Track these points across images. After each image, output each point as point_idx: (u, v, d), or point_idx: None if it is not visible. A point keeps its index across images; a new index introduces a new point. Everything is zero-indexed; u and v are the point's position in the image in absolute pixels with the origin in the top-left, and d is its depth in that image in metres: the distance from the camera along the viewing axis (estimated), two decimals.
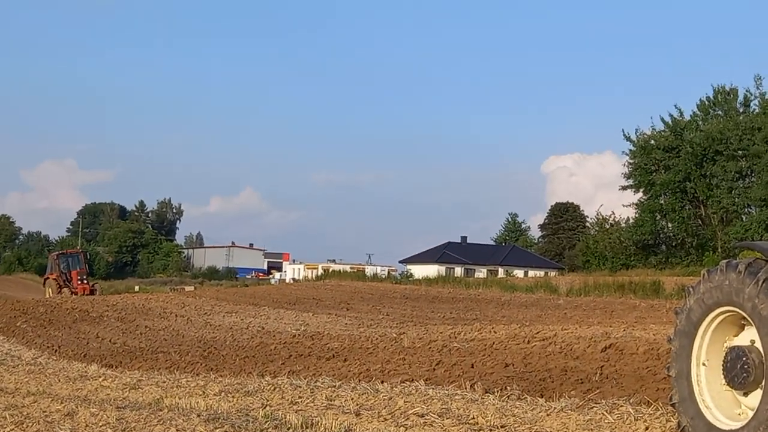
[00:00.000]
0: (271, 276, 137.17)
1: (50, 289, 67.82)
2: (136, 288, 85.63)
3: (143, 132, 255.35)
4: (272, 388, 17.14)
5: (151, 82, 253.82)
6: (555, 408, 13.25)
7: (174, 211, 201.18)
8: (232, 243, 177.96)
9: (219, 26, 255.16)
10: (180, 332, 34.78)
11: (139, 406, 15.41)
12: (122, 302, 49.89)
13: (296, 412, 13.70)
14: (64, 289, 66.69)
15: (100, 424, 13.39)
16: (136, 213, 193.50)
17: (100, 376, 22.18)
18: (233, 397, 16.31)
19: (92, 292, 66.50)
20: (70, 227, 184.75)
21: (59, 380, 21.90)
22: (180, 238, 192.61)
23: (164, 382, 20.05)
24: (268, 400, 15.50)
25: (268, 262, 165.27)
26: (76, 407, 15.41)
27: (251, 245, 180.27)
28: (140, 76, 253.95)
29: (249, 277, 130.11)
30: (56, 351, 30.63)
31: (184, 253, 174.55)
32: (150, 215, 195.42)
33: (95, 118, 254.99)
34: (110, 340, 33.02)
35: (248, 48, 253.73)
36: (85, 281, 68.84)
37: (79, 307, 45.82)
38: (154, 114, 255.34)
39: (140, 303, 49.43)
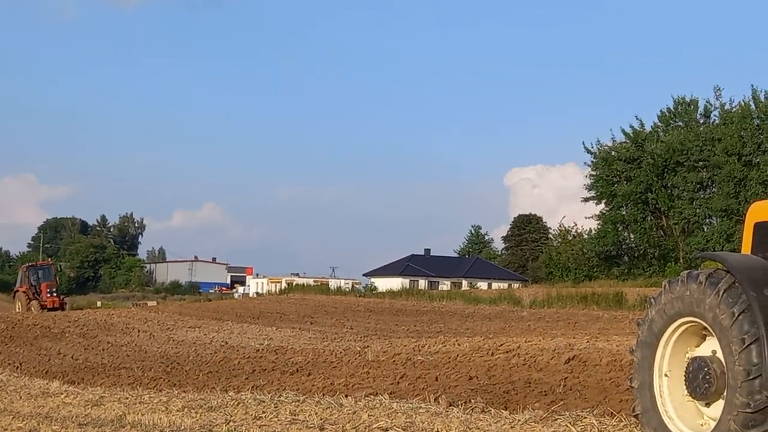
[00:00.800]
0: (234, 290, 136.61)
1: (20, 302, 66.67)
2: (99, 303, 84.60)
3: (105, 147, 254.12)
4: (236, 404, 17.06)
5: (113, 100, 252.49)
6: (519, 420, 13.25)
7: (136, 225, 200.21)
8: (195, 257, 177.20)
9: (181, 45, 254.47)
10: (143, 348, 34.58)
11: (102, 422, 15.29)
12: (84, 318, 49.60)
13: (260, 428, 13.64)
14: (33, 301, 65.49)
15: None
16: (97, 228, 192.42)
17: (62, 393, 21.99)
18: (196, 412, 16.22)
19: (62, 306, 65.70)
20: (32, 242, 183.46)
21: (20, 397, 21.70)
22: (142, 253, 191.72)
23: (127, 398, 19.90)
24: (231, 416, 15.42)
25: (232, 276, 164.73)
26: (38, 425, 15.29)
27: (214, 259, 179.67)
28: (102, 93, 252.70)
29: (212, 291, 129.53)
30: (17, 368, 30.37)
31: (146, 267, 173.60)
32: (112, 230, 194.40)
33: (56, 133, 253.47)
34: (72, 357, 32.79)
35: (211, 66, 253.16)
36: (55, 294, 67.37)
37: (40, 324, 45.51)
38: (116, 130, 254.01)
39: (102, 318, 49.14)
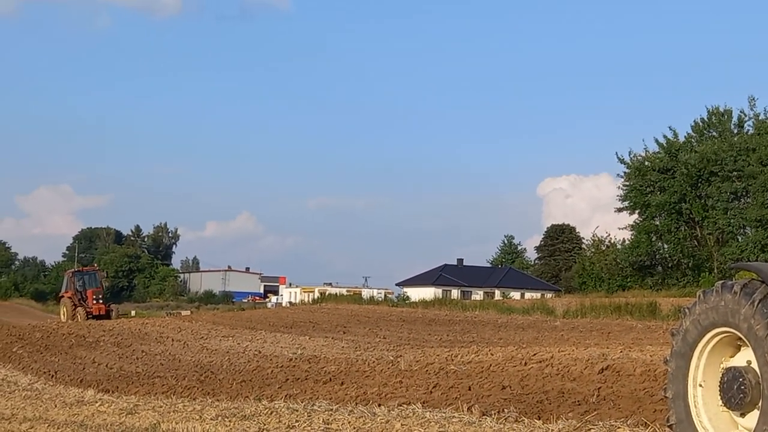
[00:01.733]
0: (267, 300, 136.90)
1: (65, 308, 65.50)
2: (133, 312, 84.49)
3: (139, 159, 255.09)
4: (269, 412, 17.11)
5: (147, 111, 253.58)
6: (552, 430, 13.24)
7: (170, 235, 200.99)
8: (229, 267, 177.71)
9: (212, 56, 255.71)
10: (176, 356, 34.72)
11: (136, 431, 15.39)
12: (119, 327, 49.84)
13: None
14: (79, 308, 64.15)
15: None
16: (132, 237, 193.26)
17: (96, 401, 22.13)
18: (230, 421, 16.28)
19: (107, 314, 64.18)
20: (66, 252, 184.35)
21: (56, 405, 21.86)
22: (176, 263, 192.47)
23: (161, 406, 20.01)
24: (264, 424, 15.47)
25: (265, 285, 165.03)
26: None
27: (247, 269, 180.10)
28: (136, 103, 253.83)
29: (245, 300, 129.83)
30: (53, 376, 30.57)
31: (180, 277, 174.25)
32: (146, 240, 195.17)
33: (91, 145, 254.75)
34: (107, 365, 32.97)
35: (243, 77, 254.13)
36: (101, 301, 65.87)
37: (75, 333, 45.78)
38: (150, 140, 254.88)
39: (137, 328, 49.37)
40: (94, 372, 31.33)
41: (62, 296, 67.62)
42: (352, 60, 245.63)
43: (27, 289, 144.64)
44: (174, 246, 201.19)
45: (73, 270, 71.21)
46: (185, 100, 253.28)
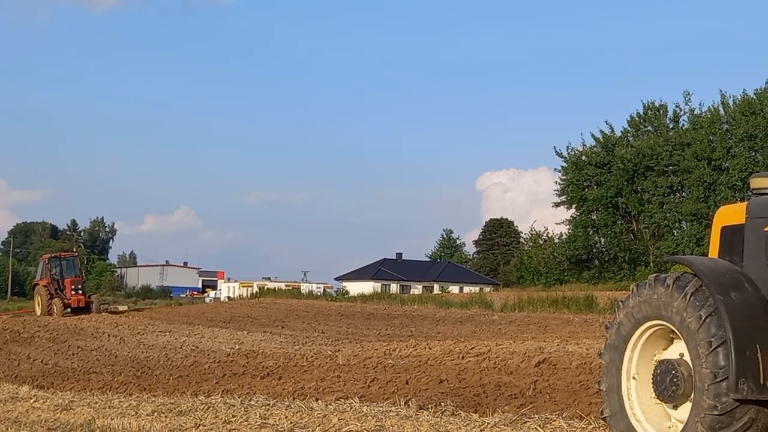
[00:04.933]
0: (205, 294, 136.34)
1: (39, 298, 58.21)
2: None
3: (76, 152, 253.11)
4: (206, 408, 17.03)
5: (85, 104, 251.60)
6: (489, 423, 13.28)
7: (107, 230, 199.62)
8: (166, 261, 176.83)
9: (154, 48, 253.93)
10: (113, 352, 34.45)
11: (71, 427, 15.24)
12: (54, 322, 49.35)
13: None
14: (55, 299, 56.52)
15: None
16: (68, 232, 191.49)
17: (31, 398, 21.89)
18: (166, 417, 16.18)
19: (87, 306, 57.28)
20: (1, 247, 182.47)
21: None
22: (113, 257, 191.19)
23: (96, 402, 19.83)
24: (201, 420, 15.39)
25: (203, 280, 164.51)
26: (6, 429, 15.22)
27: (185, 264, 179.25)
28: (73, 97, 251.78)
29: (183, 295, 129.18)
30: None
31: (117, 272, 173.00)
32: (82, 234, 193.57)
33: (26, 138, 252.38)
34: (42, 361, 32.63)
35: (183, 72, 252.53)
36: (80, 291, 58.22)
37: (9, 328, 45.28)
38: (88, 134, 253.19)
39: (72, 323, 48.91)
40: (28, 368, 31.01)
41: (36, 284, 60.56)
42: (293, 54, 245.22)
43: None
44: (111, 240, 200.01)
45: (49, 255, 62.85)
46: (123, 93, 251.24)
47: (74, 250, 70.67)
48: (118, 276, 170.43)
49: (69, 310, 55.87)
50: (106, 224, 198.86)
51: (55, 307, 55.67)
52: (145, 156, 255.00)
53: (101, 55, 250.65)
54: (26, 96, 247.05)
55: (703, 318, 8.90)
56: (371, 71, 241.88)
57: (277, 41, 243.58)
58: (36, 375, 28.52)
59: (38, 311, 57.51)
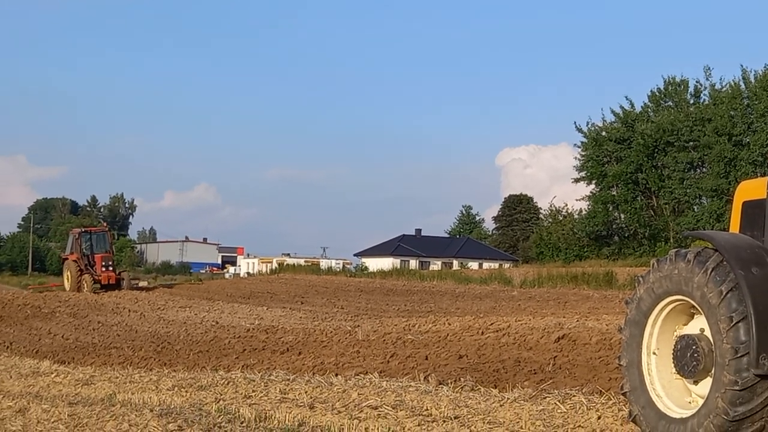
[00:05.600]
0: (225, 270, 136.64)
1: (69, 272, 56.16)
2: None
3: (96, 128, 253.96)
4: (226, 383, 17.09)
5: (105, 81, 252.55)
6: (508, 398, 13.30)
7: (127, 206, 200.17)
8: (186, 237, 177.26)
9: (171, 25, 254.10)
10: (133, 327, 34.60)
11: (92, 401, 15.31)
12: (74, 298, 49.54)
13: (250, 406, 13.67)
14: (85, 275, 54.83)
15: (52, 421, 13.30)
16: (88, 208, 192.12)
17: (52, 373, 22.02)
18: (186, 391, 16.25)
19: (117, 283, 55.56)
20: (22, 223, 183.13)
21: (11, 377, 21.72)
22: (133, 234, 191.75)
23: (117, 377, 19.94)
24: (221, 395, 15.45)
25: (223, 256, 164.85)
26: (28, 404, 15.29)
27: (205, 240, 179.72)
28: (93, 74, 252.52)
29: (203, 271, 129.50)
30: (8, 347, 30.39)
31: (137, 248, 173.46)
32: (102, 210, 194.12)
33: (46, 114, 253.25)
34: (63, 336, 32.79)
35: (203, 48, 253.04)
36: (111, 268, 56.35)
37: (31, 303, 45.47)
38: (108, 110, 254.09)
39: (93, 298, 49.11)
40: (50, 343, 31.17)
41: (66, 258, 58.52)
42: (313, 30, 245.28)
43: None
44: (131, 216, 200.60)
45: (80, 229, 60.32)
46: (145, 69, 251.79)
47: (105, 225, 67.43)
48: (138, 252, 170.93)
49: (99, 286, 54.47)
50: (126, 200, 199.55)
51: (84, 284, 54.33)
52: (164, 132, 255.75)
53: (121, 31, 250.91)
54: (46, 72, 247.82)
55: (724, 293, 8.86)
56: (391, 47, 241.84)
57: (297, 17, 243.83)
58: (57, 350, 28.69)
59: (67, 286, 56.02)
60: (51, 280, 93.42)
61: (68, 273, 56.56)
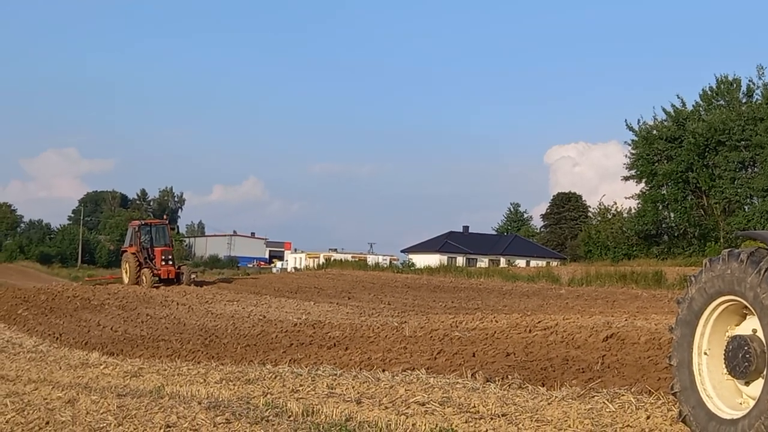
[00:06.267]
0: (272, 265, 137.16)
1: (128, 265, 54.75)
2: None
3: (145, 121, 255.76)
4: (273, 377, 17.14)
5: (155, 74, 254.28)
6: (556, 397, 13.23)
7: (176, 199, 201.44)
8: (234, 232, 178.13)
9: (223, 20, 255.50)
10: (181, 320, 34.80)
11: (140, 393, 15.40)
12: (123, 290, 49.92)
13: (297, 400, 13.69)
14: (145, 270, 53.61)
15: (101, 412, 13.38)
16: (137, 201, 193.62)
17: (101, 364, 22.19)
18: (234, 385, 16.31)
19: (177, 278, 54.29)
20: (72, 215, 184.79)
21: (60, 368, 21.91)
22: (182, 227, 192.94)
23: (165, 370, 20.05)
24: (269, 388, 15.50)
25: (270, 251, 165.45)
26: (77, 395, 15.41)
27: (253, 234, 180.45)
28: (144, 67, 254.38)
29: (250, 266, 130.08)
30: (57, 339, 30.66)
31: (185, 241, 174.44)
32: (152, 204, 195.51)
33: (97, 107, 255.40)
34: (111, 328, 33.04)
35: (252, 42, 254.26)
36: (171, 262, 54.91)
37: (80, 295, 45.86)
38: (158, 104, 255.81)
39: (141, 291, 49.44)
40: (98, 335, 31.41)
41: (124, 251, 56.98)
42: (362, 24, 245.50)
43: (32, 251, 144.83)
44: (180, 210, 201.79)
45: (139, 222, 59.02)
46: (194, 62, 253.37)
47: (165, 218, 64.48)
48: (186, 246, 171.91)
49: (158, 280, 53.30)
50: (175, 194, 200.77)
51: (144, 278, 53.18)
52: (214, 126, 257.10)
53: (167, 22, 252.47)
54: (96, 65, 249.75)
55: None
56: (441, 42, 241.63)
57: (346, 10, 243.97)
58: (106, 342, 28.90)
59: (125, 280, 54.91)
60: (100, 273, 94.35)
61: (127, 266, 55.37)
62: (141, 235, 55.55)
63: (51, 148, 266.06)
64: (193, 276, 56.25)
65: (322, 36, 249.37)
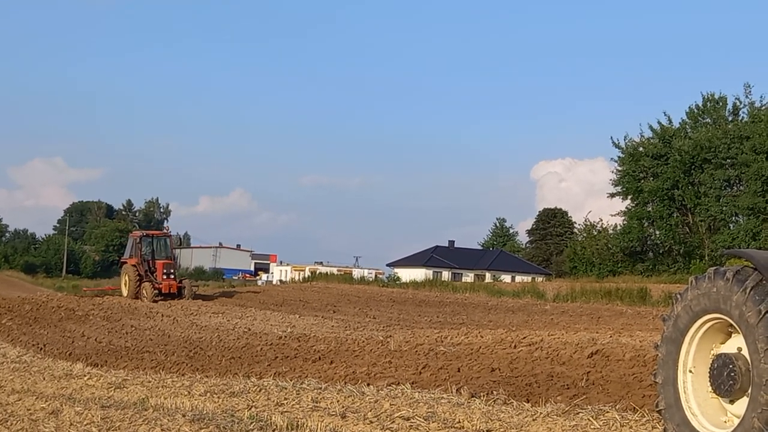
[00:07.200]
0: (258, 277, 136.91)
1: (127, 278, 52.56)
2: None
3: (133, 131, 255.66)
4: (258, 389, 17.11)
5: (142, 84, 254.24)
6: (541, 413, 13.24)
7: (162, 210, 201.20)
8: (220, 243, 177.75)
9: (210, 30, 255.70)
10: (166, 332, 34.71)
11: (124, 405, 15.36)
12: (108, 301, 49.76)
13: (282, 414, 13.68)
14: (145, 283, 51.38)
15: (85, 423, 13.36)
16: (123, 212, 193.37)
17: (85, 375, 22.11)
18: (219, 397, 16.28)
19: (179, 291, 52.03)
20: (57, 225, 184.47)
21: (44, 378, 21.83)
22: None
23: (149, 381, 20.00)
24: (253, 401, 15.47)
25: (256, 263, 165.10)
26: (61, 406, 15.37)
27: (238, 246, 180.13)
28: (131, 77, 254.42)
29: (236, 278, 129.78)
30: (41, 349, 30.53)
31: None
32: (137, 214, 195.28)
33: (84, 116, 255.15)
34: (96, 339, 32.94)
35: (240, 51, 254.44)
36: (173, 276, 52.65)
37: (65, 306, 45.70)
38: (145, 114, 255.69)
39: (126, 302, 49.30)
40: (83, 346, 31.30)
41: (124, 262, 54.51)
42: (351, 35, 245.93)
43: (17, 261, 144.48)
44: (165, 221, 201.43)
45: (141, 233, 56.55)
46: (182, 72, 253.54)
47: (167, 229, 60.69)
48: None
49: (158, 293, 51.02)
50: (161, 205, 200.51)
51: (145, 292, 50.90)
52: (201, 137, 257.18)
53: (158, 32, 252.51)
54: (83, 75, 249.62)
55: (763, 312, 8.78)
56: (429, 55, 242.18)
57: (333, 20, 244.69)
58: (90, 353, 28.81)
59: (125, 292, 52.62)
60: (85, 283, 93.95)
61: (126, 278, 52.97)
62: (142, 247, 53.40)
63: (38, 157, 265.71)
64: (194, 289, 54.56)
65: (312, 47, 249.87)
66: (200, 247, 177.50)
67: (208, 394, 16.78)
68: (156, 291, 50.96)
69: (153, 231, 63.82)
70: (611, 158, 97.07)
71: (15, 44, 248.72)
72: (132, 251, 53.71)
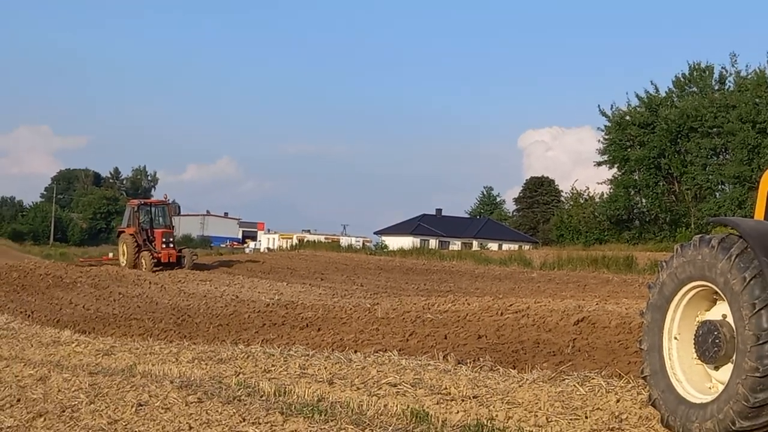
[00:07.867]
0: (245, 245, 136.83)
1: (125, 247, 51.70)
2: (110, 254, 73.19)
3: (120, 99, 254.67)
4: (245, 356, 17.16)
5: (130, 51, 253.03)
6: (527, 379, 13.31)
7: (149, 178, 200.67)
8: (207, 212, 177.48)
9: None
10: (154, 299, 34.74)
11: (112, 372, 15.41)
12: (96, 269, 49.74)
13: (269, 380, 13.73)
14: (144, 252, 50.62)
15: (73, 390, 13.40)
16: (110, 180, 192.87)
17: (73, 342, 22.12)
18: (206, 364, 16.32)
19: (178, 261, 51.09)
20: (44, 193, 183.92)
21: (32, 345, 21.84)
22: None
23: (137, 348, 20.02)
24: (241, 368, 15.52)
25: (243, 231, 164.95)
26: (49, 372, 15.41)
27: (226, 214, 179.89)
28: (118, 44, 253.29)
29: (223, 246, 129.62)
30: (29, 316, 30.52)
31: None
32: (125, 182, 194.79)
33: (71, 84, 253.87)
34: (84, 306, 32.95)
35: (226, 19, 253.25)
36: (172, 245, 52.03)
37: (52, 273, 45.68)
38: (132, 82, 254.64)
39: (114, 270, 49.29)
40: (70, 313, 31.31)
41: (122, 232, 53.37)
42: (337, 3, 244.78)
43: (4, 229, 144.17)
44: (153, 189, 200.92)
45: (139, 201, 55.57)
46: (168, 40, 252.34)
47: (166, 197, 58.92)
48: None
49: (158, 264, 50.11)
50: (149, 173, 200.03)
51: (143, 261, 50.19)
52: (188, 105, 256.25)
53: (146, 4, 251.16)
54: (70, 41, 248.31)
55: (748, 280, 8.83)
56: (416, 23, 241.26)
57: None
58: (78, 320, 28.81)
59: (122, 262, 51.80)
60: (72, 251, 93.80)
61: (124, 248, 52.06)
62: (140, 216, 52.44)
63: (24, 125, 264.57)
64: (194, 258, 53.55)
65: (297, 14, 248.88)
66: (188, 215, 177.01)
67: (196, 361, 16.82)
68: (155, 260, 50.13)
69: (151, 199, 62.93)
70: (598, 127, 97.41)
71: (0, 10, 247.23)
72: (130, 220, 52.93)
